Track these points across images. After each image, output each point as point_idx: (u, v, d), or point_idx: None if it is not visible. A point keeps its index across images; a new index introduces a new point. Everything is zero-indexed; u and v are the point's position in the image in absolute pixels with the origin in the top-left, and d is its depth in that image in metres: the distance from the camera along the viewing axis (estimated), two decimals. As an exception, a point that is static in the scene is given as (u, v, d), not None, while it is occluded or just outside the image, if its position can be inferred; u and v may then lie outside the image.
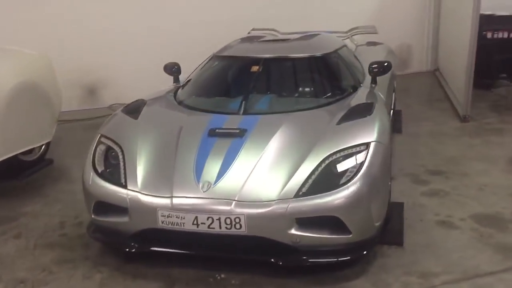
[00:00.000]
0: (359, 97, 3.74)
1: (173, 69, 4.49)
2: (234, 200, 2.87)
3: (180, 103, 3.89)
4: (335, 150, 3.00)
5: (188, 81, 4.31)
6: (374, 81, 4.06)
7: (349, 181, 2.87)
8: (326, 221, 2.85)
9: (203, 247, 3.03)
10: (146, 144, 3.31)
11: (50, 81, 4.93)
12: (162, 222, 2.94)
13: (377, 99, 3.73)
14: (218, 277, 3.00)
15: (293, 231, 2.83)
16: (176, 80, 4.51)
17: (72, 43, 6.99)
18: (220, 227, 2.86)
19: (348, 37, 5.50)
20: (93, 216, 3.26)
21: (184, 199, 2.93)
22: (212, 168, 3.04)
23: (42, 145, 4.94)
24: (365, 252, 2.99)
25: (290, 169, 2.97)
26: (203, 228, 2.88)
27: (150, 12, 7.34)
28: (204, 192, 2.93)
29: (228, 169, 3.02)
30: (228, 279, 2.99)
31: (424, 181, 4.21)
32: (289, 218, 2.82)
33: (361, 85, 4.04)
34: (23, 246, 3.50)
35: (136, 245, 3.10)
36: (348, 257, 2.92)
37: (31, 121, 4.57)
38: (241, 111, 3.54)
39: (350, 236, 2.87)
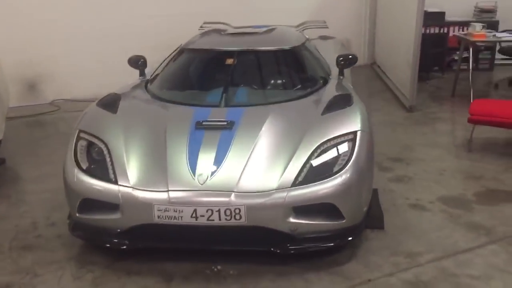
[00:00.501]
0: (332, 89, 3.87)
1: (139, 63, 4.40)
2: (233, 191, 2.89)
3: (154, 96, 3.83)
4: (324, 140, 3.11)
5: (157, 74, 4.24)
6: (341, 73, 4.21)
7: (341, 169, 2.99)
8: (321, 208, 2.95)
9: (198, 241, 3.03)
10: (131, 139, 3.24)
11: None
12: (158, 217, 2.91)
13: (349, 90, 3.89)
14: (215, 269, 3.02)
15: (291, 219, 2.90)
16: (142, 73, 4.42)
17: (11, 35, 6.61)
18: (220, 219, 2.87)
19: (300, 31, 5.64)
20: (77, 215, 3.14)
21: (182, 192, 2.92)
22: (206, 160, 3.04)
23: (-7, 144, 4.67)
24: (355, 236, 3.12)
25: (284, 159, 3.04)
26: (202, 221, 2.88)
27: (95, 4, 7.09)
28: (201, 184, 2.93)
29: (222, 161, 3.04)
30: (225, 270, 3.01)
31: (388, 168, 4.44)
32: (287, 206, 2.89)
33: (330, 77, 4.18)
34: (-4, 250, 3.31)
35: (127, 242, 3.04)
36: (346, 241, 3.04)
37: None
38: (223, 104, 3.56)
39: (344, 221, 2.99)
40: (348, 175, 2.97)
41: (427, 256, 3.11)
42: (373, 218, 3.46)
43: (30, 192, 4.17)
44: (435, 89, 7.27)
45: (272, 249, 2.96)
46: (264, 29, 4.61)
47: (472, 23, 6.54)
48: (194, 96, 3.84)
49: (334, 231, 3.02)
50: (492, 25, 7.97)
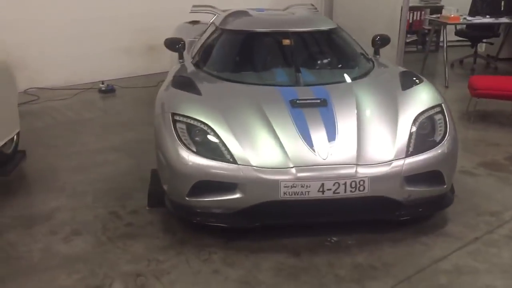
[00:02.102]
0: (388, 66, 4.12)
1: (177, 46, 4.30)
2: (356, 163, 3.02)
3: (221, 78, 3.79)
4: (419, 112, 3.32)
5: (204, 56, 4.18)
6: (377, 53, 4.45)
7: (443, 138, 3.24)
8: (426, 175, 3.17)
9: (321, 215, 3.12)
10: (231, 120, 3.22)
11: (4, 64, 4.26)
12: (284, 194, 2.96)
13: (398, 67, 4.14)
14: (332, 241, 3.13)
15: (406, 187, 3.10)
16: (181, 56, 4.33)
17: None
18: (345, 191, 2.99)
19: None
20: (187, 198, 3.08)
21: (309, 168, 2.99)
22: (319, 136, 3.13)
23: (13, 136, 4.31)
24: (452, 201, 3.39)
25: (389, 131, 3.21)
26: (328, 194, 2.98)
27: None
28: (324, 159, 3.02)
29: (335, 136, 3.14)
30: (342, 241, 3.13)
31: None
32: (403, 175, 3.08)
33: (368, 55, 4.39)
34: (94, 242, 3.13)
35: (247, 221, 3.06)
36: (450, 204, 3.30)
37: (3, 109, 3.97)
38: (301, 83, 3.64)
39: (445, 187, 3.25)
40: (450, 144, 3.23)
41: (508, 213, 3.46)
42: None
43: (79, 183, 3.94)
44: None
45: (387, 217, 3.13)
46: (285, 12, 4.72)
47: (446, 7, 7.10)
48: (266, 76, 3.85)
49: (436, 197, 3.27)
50: (437, 10, 8.70)
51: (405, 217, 3.18)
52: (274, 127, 3.18)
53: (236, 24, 4.34)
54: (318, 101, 3.39)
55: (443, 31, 6.92)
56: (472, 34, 7.59)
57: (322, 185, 2.96)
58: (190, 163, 3.04)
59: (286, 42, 4.03)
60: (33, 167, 4.25)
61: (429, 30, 8.65)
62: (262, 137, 3.14)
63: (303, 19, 4.43)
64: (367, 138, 3.16)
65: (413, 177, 3.12)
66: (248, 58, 4.12)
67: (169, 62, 5.02)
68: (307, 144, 3.09)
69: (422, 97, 3.50)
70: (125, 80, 6.96)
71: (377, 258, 2.97)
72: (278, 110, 3.31)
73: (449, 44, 8.60)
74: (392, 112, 3.33)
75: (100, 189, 3.81)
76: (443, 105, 3.44)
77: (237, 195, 3.00)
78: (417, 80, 3.68)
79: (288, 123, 3.21)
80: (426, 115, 3.33)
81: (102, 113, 5.68)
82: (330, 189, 2.97)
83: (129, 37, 7.13)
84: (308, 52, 4.10)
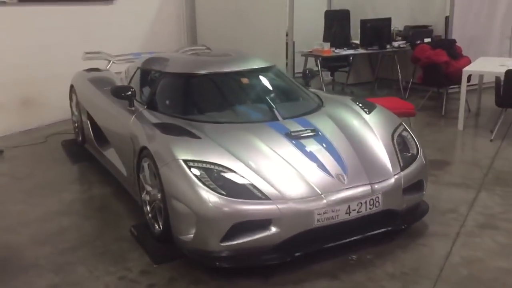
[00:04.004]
0: (333, 96, 4.53)
1: (127, 93, 4.11)
2: (370, 182, 3.30)
3: (196, 120, 3.75)
4: (392, 131, 3.77)
5: (158, 103, 4.08)
6: (308, 84, 4.85)
7: (417, 151, 3.72)
8: (413, 185, 3.60)
9: (343, 234, 3.30)
10: (245, 158, 3.26)
11: None
12: (318, 221, 3.10)
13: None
14: (353, 258, 3.34)
15: (405, 198, 3.48)
16: (132, 104, 4.14)
17: None
18: (366, 209, 3.25)
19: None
20: (221, 244, 3.01)
21: (336, 193, 3.18)
22: (330, 163, 3.35)
23: None
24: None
25: (377, 149, 3.58)
26: (353, 215, 3.21)
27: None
28: (344, 183, 3.24)
29: (341, 160, 3.40)
30: (362, 257, 3.36)
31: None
32: (402, 187, 3.46)
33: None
34: None
35: (285, 255, 3.11)
36: (428, 210, 3.77)
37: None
38: (279, 117, 3.79)
39: (424, 193, 3.73)
40: (424, 155, 3.73)
41: (462, 208, 4.07)
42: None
43: (54, 255, 3.44)
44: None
45: (402, 227, 3.48)
46: (221, 52, 4.86)
47: (317, 43, 7.89)
48: (243, 114, 3.93)
49: (419, 202, 3.72)
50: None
51: (404, 225, 3.55)
52: (287, 160, 3.30)
53: (188, 67, 4.29)
54: (309, 131, 3.60)
55: (318, 62, 7.69)
56: (332, 64, 8.52)
57: (349, 207, 3.18)
58: (224, 207, 2.99)
59: (245, 81, 4.17)
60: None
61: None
62: (281, 170, 3.24)
63: (245, 58, 4.55)
64: (364, 157, 3.48)
65: (407, 188, 3.51)
66: (217, 99, 4.17)
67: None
68: (323, 171, 3.28)
69: (386, 118, 3.96)
70: (3, 139, 6.18)
71: (401, 265, 3.26)
72: (281, 144, 3.43)
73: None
74: (370, 132, 3.71)
75: (85, 257, 3.42)
76: (403, 123, 3.94)
77: (273, 231, 3.05)
78: (373, 105, 4.14)
79: (297, 155, 3.36)
80: (397, 133, 3.79)
81: (8, 178, 4.98)
82: (354, 210, 3.21)
83: (1, 92, 6.38)
84: (264, 88, 4.27)
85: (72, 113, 5.84)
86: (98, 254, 3.45)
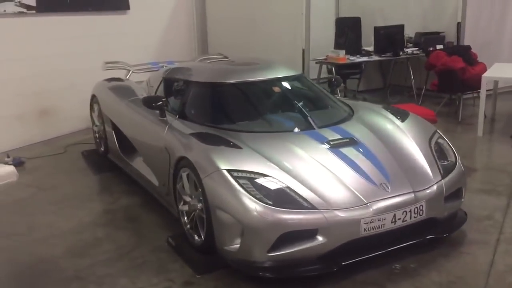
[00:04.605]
0: (362, 104, 4.51)
1: (158, 103, 4.09)
2: (414, 191, 3.28)
3: (236, 130, 3.72)
4: (428, 139, 3.76)
5: (184, 112, 4.07)
6: (335, 92, 4.85)
7: (455, 158, 3.71)
8: (453, 192, 3.58)
9: (387, 243, 3.27)
10: (288, 168, 3.24)
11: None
12: (365, 230, 3.08)
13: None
14: (398, 267, 3.31)
15: (446, 206, 3.46)
16: (163, 114, 4.11)
17: None
18: (410, 218, 3.23)
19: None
20: (269, 254, 2.98)
21: (381, 202, 3.16)
22: (372, 171, 3.33)
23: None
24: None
25: (416, 156, 3.56)
26: (399, 223, 3.19)
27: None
28: (388, 191, 3.22)
29: (384, 168, 3.38)
30: (405, 266, 3.33)
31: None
32: (444, 195, 3.44)
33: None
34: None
35: (332, 264, 3.08)
36: (467, 217, 3.75)
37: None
38: (315, 126, 3.77)
39: (463, 200, 3.71)
40: (462, 162, 3.71)
41: (496, 214, 4.05)
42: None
43: (91, 267, 3.42)
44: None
45: (433, 236, 3.43)
46: (246, 61, 4.84)
47: (332, 50, 7.89)
48: (279, 124, 3.90)
49: (455, 212, 3.69)
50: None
51: (446, 234, 3.53)
52: (329, 169, 3.28)
53: (219, 77, 4.27)
54: (347, 140, 3.58)
55: (333, 69, 7.70)
56: (344, 72, 8.51)
57: (394, 215, 3.16)
58: (270, 217, 2.96)
59: (276, 89, 4.16)
60: (13, 263, 3.54)
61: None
62: (324, 179, 3.22)
63: (272, 67, 4.51)
64: (405, 165, 3.47)
65: (448, 195, 3.49)
66: (249, 108, 4.16)
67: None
68: (367, 179, 3.26)
69: (421, 126, 3.95)
70: (23, 150, 6.13)
71: (446, 273, 3.24)
72: (321, 153, 3.42)
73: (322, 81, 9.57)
74: (407, 140, 3.69)
75: (125, 269, 3.38)
76: (438, 130, 3.93)
77: (319, 240, 3.02)
78: (406, 112, 4.13)
79: (339, 163, 3.34)
80: (434, 140, 3.77)
81: (34, 189, 4.94)
82: (400, 218, 3.19)
83: (20, 103, 6.34)
84: (296, 97, 4.23)
85: (93, 123, 5.79)
86: (137, 265, 3.42)
